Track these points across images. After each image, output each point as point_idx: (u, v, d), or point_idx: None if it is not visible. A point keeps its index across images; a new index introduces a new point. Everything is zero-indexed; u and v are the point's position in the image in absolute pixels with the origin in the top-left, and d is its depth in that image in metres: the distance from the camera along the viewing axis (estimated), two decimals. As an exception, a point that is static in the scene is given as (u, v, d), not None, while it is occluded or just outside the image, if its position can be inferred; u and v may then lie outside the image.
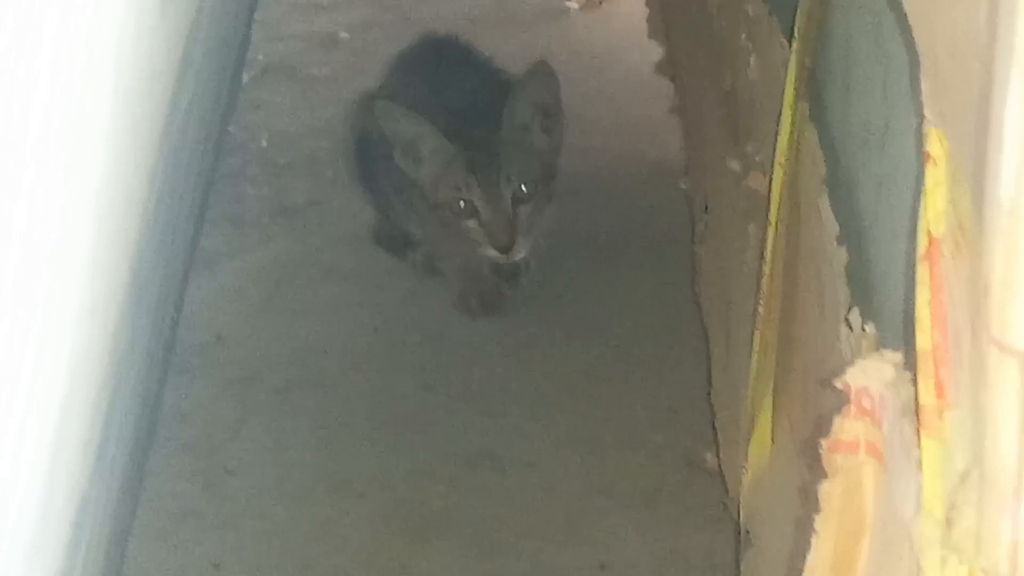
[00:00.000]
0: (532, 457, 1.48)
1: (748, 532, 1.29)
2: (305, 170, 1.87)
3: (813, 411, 1.06)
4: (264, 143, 1.92)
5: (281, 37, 2.12)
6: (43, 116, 0.57)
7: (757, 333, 1.23)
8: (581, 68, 2.03)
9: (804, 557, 0.83)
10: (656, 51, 1.81)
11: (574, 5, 2.21)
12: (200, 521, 1.39)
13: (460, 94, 1.63)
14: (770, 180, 1.21)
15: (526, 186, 1.57)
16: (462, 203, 1.57)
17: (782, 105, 1.17)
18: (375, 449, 1.49)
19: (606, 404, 1.54)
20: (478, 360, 1.60)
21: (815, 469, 0.85)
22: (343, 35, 2.15)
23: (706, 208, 1.54)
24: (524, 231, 1.57)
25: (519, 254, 1.59)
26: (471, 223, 1.58)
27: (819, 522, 0.84)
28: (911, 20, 0.72)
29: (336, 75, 2.03)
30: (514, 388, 1.57)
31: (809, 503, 0.84)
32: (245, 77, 1.99)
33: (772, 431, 1.21)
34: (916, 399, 0.74)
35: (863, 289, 0.95)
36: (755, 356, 1.24)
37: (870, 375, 0.80)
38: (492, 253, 1.59)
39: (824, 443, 0.83)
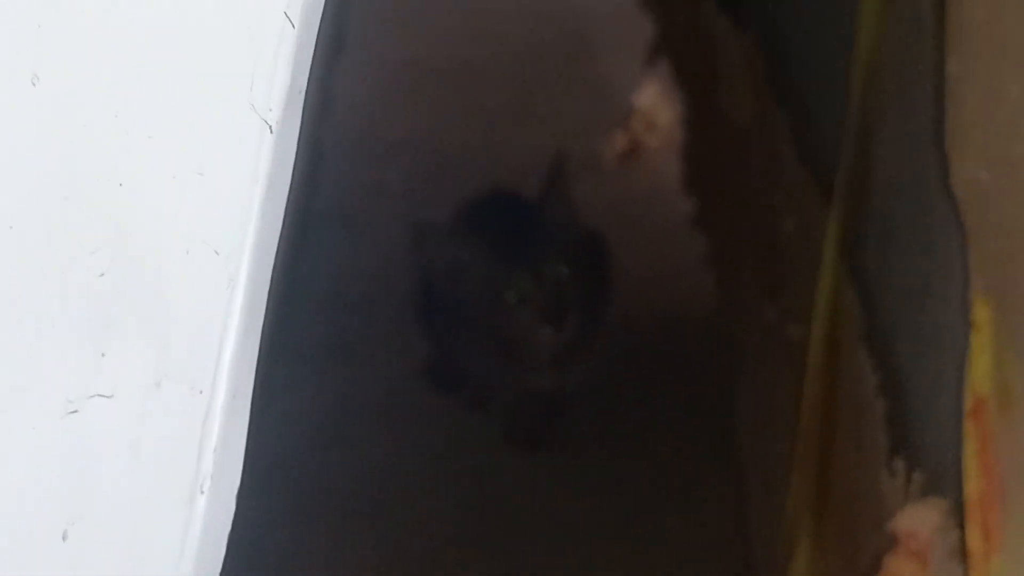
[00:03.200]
0: (571, 582, 1.51)
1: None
2: (359, 310, 1.90)
3: (851, 544, 1.09)
4: (319, 284, 1.96)
5: (335, 184, 2.16)
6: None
7: (795, 472, 1.26)
8: (614, 219, 2.06)
9: None
10: (689, 204, 1.83)
11: (610, 156, 2.24)
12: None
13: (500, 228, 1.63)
14: (807, 331, 1.24)
15: (567, 265, 1.55)
16: (509, 296, 1.55)
17: (819, 261, 1.20)
18: (426, 572, 1.51)
19: (646, 533, 1.56)
20: (525, 491, 1.63)
21: (867, 604, 0.88)
22: (395, 183, 2.19)
23: (742, 354, 1.56)
24: (573, 307, 1.55)
25: (570, 331, 1.55)
26: (521, 314, 1.55)
27: (871, 654, 0.87)
28: (960, 204, 0.75)
29: (387, 221, 2.06)
30: (558, 518, 1.59)
31: (862, 635, 0.87)
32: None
33: (810, 566, 1.23)
34: (963, 543, 0.77)
35: (903, 437, 0.98)
36: (792, 493, 1.27)
37: (918, 520, 0.83)
38: (546, 334, 1.55)
39: (875, 580, 0.86)
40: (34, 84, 0.48)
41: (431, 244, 1.60)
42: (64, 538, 0.50)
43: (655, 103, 2.20)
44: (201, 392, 0.53)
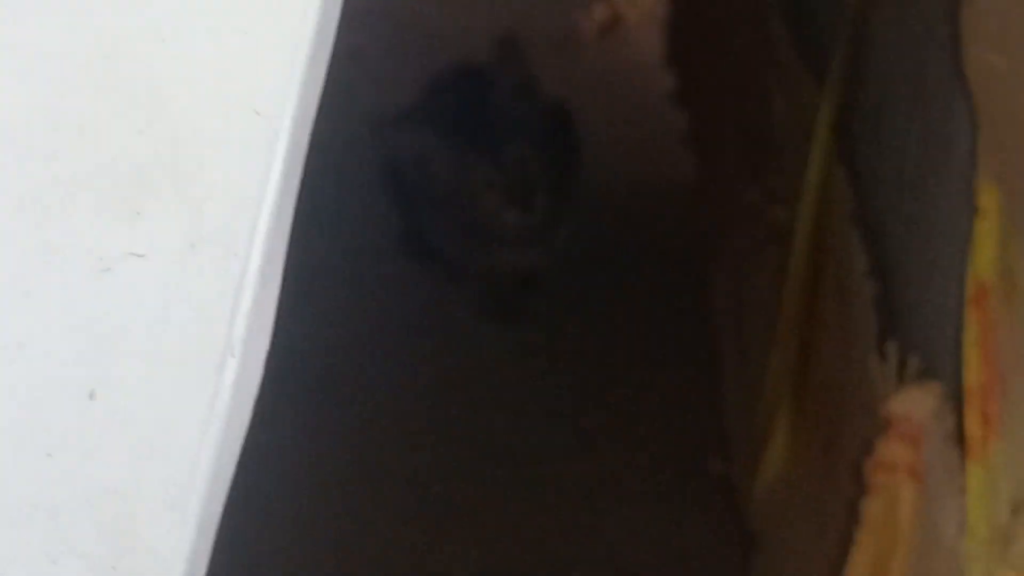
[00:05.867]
0: (545, 455, 1.51)
1: (755, 537, 1.33)
2: (332, 180, 1.89)
3: (833, 427, 1.10)
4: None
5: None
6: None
7: (774, 354, 1.27)
8: (591, 93, 2.04)
9: (842, 566, 0.87)
10: (671, 79, 1.82)
11: (589, 27, 2.21)
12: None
13: (461, 109, 1.64)
14: (792, 212, 1.24)
15: (531, 144, 1.56)
16: (476, 179, 1.56)
17: (808, 142, 1.20)
18: (400, 445, 1.51)
19: (616, 409, 1.57)
20: (497, 364, 1.63)
21: (857, 486, 0.89)
22: (369, 51, 2.17)
23: (720, 233, 1.56)
24: (540, 187, 1.55)
25: (538, 212, 1.56)
26: (487, 198, 1.56)
27: (859, 534, 0.88)
28: (973, 87, 0.75)
29: (362, 88, 2.04)
30: (529, 391, 1.60)
31: (850, 517, 0.88)
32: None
33: (788, 445, 1.24)
34: (960, 429, 0.78)
35: (896, 321, 0.98)
36: (771, 374, 1.28)
37: (912, 404, 0.84)
38: (513, 216, 1.56)
39: (866, 462, 0.87)
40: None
41: (390, 136, 1.60)
42: (91, 397, 0.50)
43: (637, -24, 2.18)
44: (236, 255, 0.53)
